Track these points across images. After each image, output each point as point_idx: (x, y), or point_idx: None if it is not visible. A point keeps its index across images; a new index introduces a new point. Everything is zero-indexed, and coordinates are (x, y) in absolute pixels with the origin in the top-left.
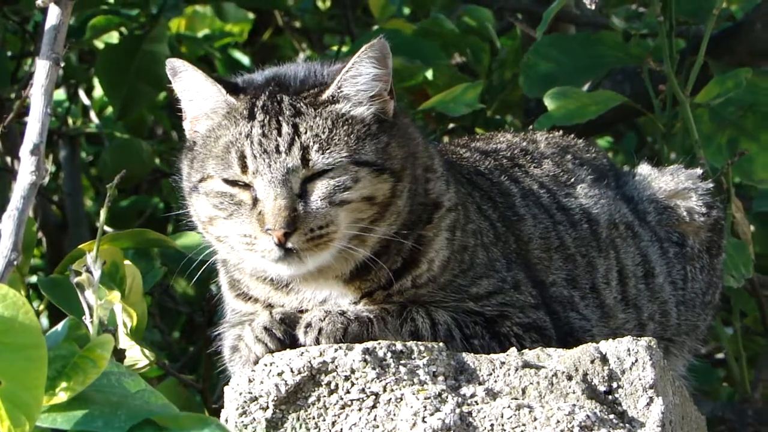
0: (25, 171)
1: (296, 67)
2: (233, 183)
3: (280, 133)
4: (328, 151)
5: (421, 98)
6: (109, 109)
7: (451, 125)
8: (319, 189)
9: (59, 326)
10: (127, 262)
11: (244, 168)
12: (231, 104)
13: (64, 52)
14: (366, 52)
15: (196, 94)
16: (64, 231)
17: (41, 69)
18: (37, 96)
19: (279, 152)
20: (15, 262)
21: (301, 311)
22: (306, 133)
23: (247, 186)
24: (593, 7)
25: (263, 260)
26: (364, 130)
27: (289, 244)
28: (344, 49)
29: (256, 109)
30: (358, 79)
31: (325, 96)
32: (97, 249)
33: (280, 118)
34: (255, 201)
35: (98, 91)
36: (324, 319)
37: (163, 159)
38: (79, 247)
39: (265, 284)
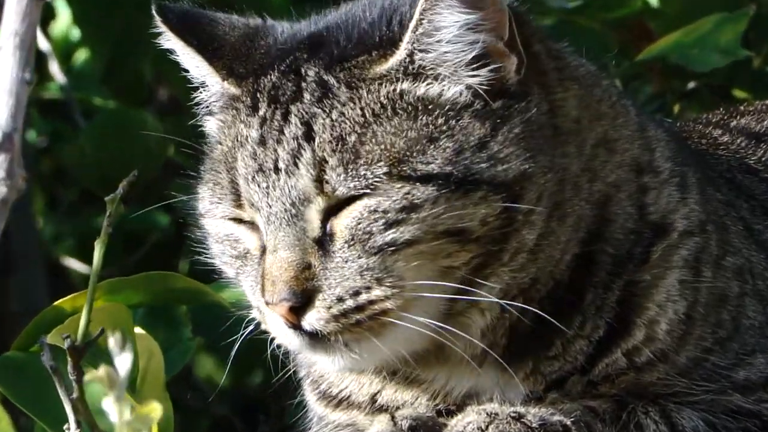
0: None
1: (373, 3)
2: (237, 220)
3: (281, 138)
4: (356, 165)
5: (640, 38)
6: (81, 56)
7: (692, 84)
8: (348, 226)
9: None
10: (139, 330)
11: (236, 197)
12: (229, 90)
13: None
14: None
15: (192, 73)
16: (6, 268)
17: (13, 7)
18: (6, 52)
19: (278, 170)
20: None
21: (444, 413)
22: (323, 134)
23: (253, 225)
24: None
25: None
26: (444, 121)
27: (307, 326)
28: None
29: (260, 96)
30: (436, 37)
31: (385, 66)
32: (89, 309)
33: (292, 110)
34: (263, 251)
35: (61, 23)
36: (487, 427)
37: (177, 146)
38: (56, 304)
39: (366, 373)
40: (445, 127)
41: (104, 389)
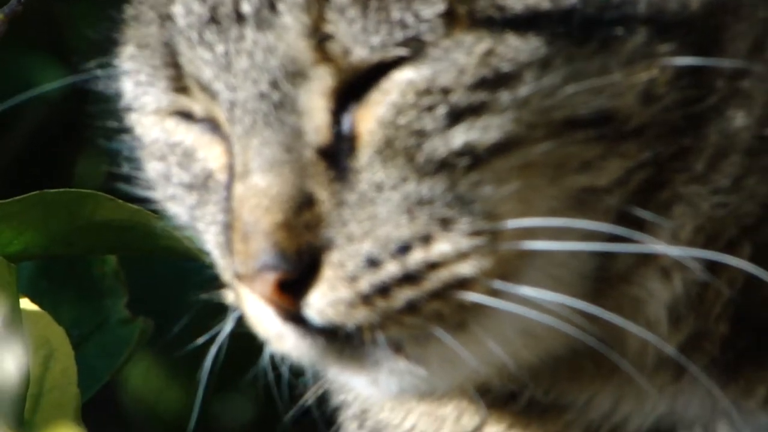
0: None
1: None
2: (185, 115)
3: None
4: (386, 1)
5: None
6: None
7: None
8: (382, 120)
9: None
10: (27, 303)
11: (176, 72)
12: None
13: None
14: None
15: None
16: None
17: None
18: None
19: (241, 18)
20: None
21: None
22: None
23: (214, 126)
24: None
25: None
26: None
27: (315, 315)
28: None
29: None
30: None
31: None
32: None
33: None
34: (233, 173)
35: None
36: None
37: None
38: None
39: (448, 397)
40: None
41: None
